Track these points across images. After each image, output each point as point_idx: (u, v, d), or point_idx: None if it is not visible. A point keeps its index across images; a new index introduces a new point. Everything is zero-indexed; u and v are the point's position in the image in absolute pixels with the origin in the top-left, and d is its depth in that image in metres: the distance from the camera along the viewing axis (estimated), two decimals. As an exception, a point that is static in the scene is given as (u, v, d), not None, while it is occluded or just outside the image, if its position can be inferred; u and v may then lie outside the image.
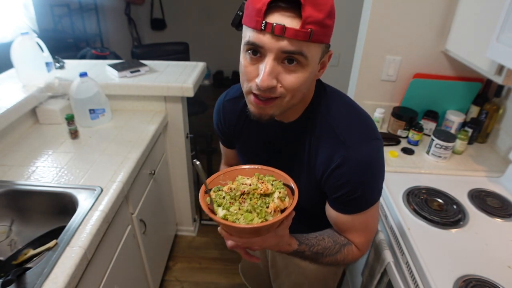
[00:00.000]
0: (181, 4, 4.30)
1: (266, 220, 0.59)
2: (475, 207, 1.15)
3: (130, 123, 1.60)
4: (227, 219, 0.59)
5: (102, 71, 1.80)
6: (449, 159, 1.40)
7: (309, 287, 1.05)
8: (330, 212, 0.78)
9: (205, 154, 2.33)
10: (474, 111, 1.53)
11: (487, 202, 1.17)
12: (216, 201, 0.63)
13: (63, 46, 3.00)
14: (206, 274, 1.96)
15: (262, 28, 0.56)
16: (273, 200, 0.61)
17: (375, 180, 0.72)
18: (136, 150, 1.37)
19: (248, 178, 0.67)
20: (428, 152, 1.41)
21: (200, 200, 0.63)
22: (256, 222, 0.58)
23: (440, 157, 1.37)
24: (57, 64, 1.81)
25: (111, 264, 1.12)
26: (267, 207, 0.60)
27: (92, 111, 1.52)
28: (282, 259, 1.06)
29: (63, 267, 0.85)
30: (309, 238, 0.77)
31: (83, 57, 2.43)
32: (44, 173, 1.21)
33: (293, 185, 0.65)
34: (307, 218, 0.86)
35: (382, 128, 1.65)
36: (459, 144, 1.42)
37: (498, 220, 1.10)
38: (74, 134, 1.44)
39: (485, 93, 1.53)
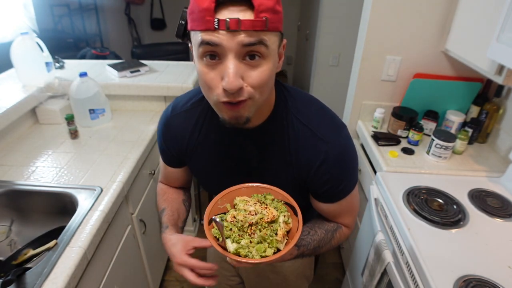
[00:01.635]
0: (181, 4, 4.26)
1: (277, 247, 0.60)
2: (475, 207, 1.15)
3: (130, 123, 1.60)
4: (239, 253, 0.59)
5: (102, 71, 1.80)
6: (449, 159, 1.40)
7: (286, 286, 1.04)
8: (317, 204, 0.80)
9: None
10: (474, 111, 1.53)
11: (487, 202, 1.17)
12: (224, 234, 0.62)
13: (63, 46, 2.99)
14: (206, 274, 1.96)
15: (216, 26, 0.53)
16: (279, 226, 0.61)
17: (354, 166, 0.76)
18: (136, 150, 1.37)
19: (247, 201, 0.66)
20: (428, 152, 1.41)
21: (207, 235, 0.62)
22: (269, 252, 0.59)
23: (440, 157, 1.37)
24: (57, 64, 1.81)
25: (111, 264, 1.12)
26: (276, 234, 0.60)
27: (92, 111, 1.52)
28: (253, 270, 1.05)
29: (63, 267, 0.85)
30: (304, 238, 0.78)
31: (83, 57, 2.44)
32: (44, 173, 1.21)
33: (294, 204, 0.65)
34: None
35: (382, 128, 1.65)
36: (459, 144, 1.42)
37: (498, 220, 1.10)
38: (74, 134, 1.44)
39: (485, 93, 1.53)
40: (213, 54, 0.56)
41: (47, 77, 1.57)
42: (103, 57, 2.39)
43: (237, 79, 0.55)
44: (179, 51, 2.93)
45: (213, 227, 0.64)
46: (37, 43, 1.51)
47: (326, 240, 0.80)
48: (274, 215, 0.62)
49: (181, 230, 0.86)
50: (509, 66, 1.01)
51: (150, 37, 4.47)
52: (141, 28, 4.41)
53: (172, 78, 1.73)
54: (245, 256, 0.58)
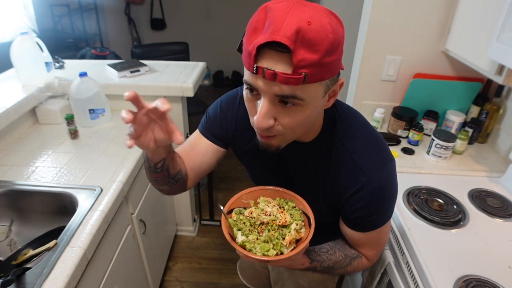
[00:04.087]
0: (181, 4, 4.29)
1: (281, 252, 0.62)
2: (475, 207, 1.14)
3: (130, 123, 1.60)
4: (245, 246, 0.63)
5: (102, 71, 1.80)
6: (449, 159, 1.40)
7: None
8: (344, 228, 0.79)
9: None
10: (475, 111, 1.53)
11: (487, 202, 1.16)
12: (237, 225, 0.66)
13: (63, 46, 3.00)
14: (206, 274, 1.96)
15: (254, 72, 0.54)
16: (289, 232, 0.64)
17: (390, 202, 0.75)
18: (136, 150, 1.37)
19: (269, 203, 0.70)
20: (428, 152, 1.41)
21: (222, 224, 0.66)
22: (272, 253, 0.61)
23: (441, 157, 1.37)
24: (57, 64, 1.81)
25: (111, 264, 1.12)
26: (283, 239, 0.63)
27: (92, 111, 1.52)
28: (276, 269, 1.09)
29: (63, 267, 0.85)
30: (321, 254, 0.79)
31: (83, 57, 2.43)
32: (44, 173, 1.21)
33: (311, 216, 0.67)
34: (321, 228, 0.87)
35: (382, 128, 1.65)
36: (459, 144, 1.41)
37: (498, 220, 1.10)
38: (74, 134, 1.44)
39: (485, 93, 1.53)
40: (252, 89, 0.58)
41: (47, 77, 1.57)
42: (103, 57, 2.39)
43: (265, 120, 0.57)
44: (179, 51, 2.92)
45: (231, 217, 0.68)
46: (37, 43, 1.51)
47: (342, 264, 0.80)
48: (286, 221, 0.65)
49: (161, 163, 0.72)
50: (509, 66, 1.00)
51: (150, 37, 4.47)
52: (141, 28, 4.41)
53: (172, 78, 1.72)
54: (249, 250, 0.62)
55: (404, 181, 1.25)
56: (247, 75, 0.57)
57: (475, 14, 1.27)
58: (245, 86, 0.60)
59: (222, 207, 0.68)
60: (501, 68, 1.09)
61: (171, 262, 2.01)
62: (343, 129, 0.72)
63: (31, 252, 0.99)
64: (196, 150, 0.84)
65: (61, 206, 1.13)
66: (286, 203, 0.71)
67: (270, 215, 0.66)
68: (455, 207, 1.13)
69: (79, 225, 0.98)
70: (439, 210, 1.12)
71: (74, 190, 1.12)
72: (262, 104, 0.57)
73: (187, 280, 1.92)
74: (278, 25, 0.50)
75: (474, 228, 1.06)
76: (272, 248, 0.62)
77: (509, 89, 1.45)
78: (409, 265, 0.98)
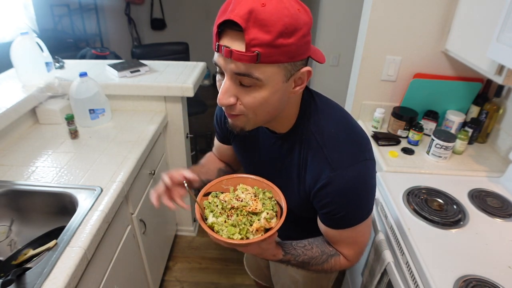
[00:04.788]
0: (181, 4, 4.30)
1: (247, 237, 0.64)
2: (475, 207, 1.15)
3: (130, 123, 1.60)
4: (213, 227, 0.65)
5: (102, 71, 1.80)
6: (449, 159, 1.40)
7: (303, 284, 1.07)
8: (320, 224, 0.79)
9: (205, 154, 2.33)
10: (474, 111, 1.53)
11: (487, 202, 1.17)
12: (210, 207, 0.68)
13: (63, 46, 3.00)
14: (206, 274, 1.96)
15: (216, 50, 0.59)
16: (258, 220, 0.65)
17: (361, 201, 0.72)
18: (136, 150, 1.37)
19: (246, 189, 0.72)
20: (428, 152, 1.41)
21: (196, 204, 0.69)
22: (237, 237, 0.63)
23: (440, 157, 1.37)
24: (57, 64, 1.81)
25: (111, 264, 1.12)
26: (251, 225, 0.64)
27: (92, 111, 1.52)
28: (274, 264, 1.09)
29: (63, 267, 0.85)
30: (296, 248, 0.78)
31: (83, 57, 2.43)
32: (44, 173, 1.21)
33: (283, 206, 0.68)
34: (301, 222, 0.88)
35: (382, 128, 1.65)
36: (459, 144, 1.42)
37: (498, 220, 1.10)
38: (74, 134, 1.44)
39: (485, 93, 1.53)
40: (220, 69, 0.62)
41: (47, 77, 1.57)
42: (103, 57, 2.39)
43: (225, 97, 0.61)
44: (179, 51, 2.92)
45: (207, 199, 0.71)
46: (37, 43, 1.51)
47: (318, 261, 0.79)
48: (257, 208, 0.66)
49: (201, 182, 0.86)
50: (509, 66, 1.01)
51: (150, 37, 4.47)
52: (141, 28, 4.41)
53: (172, 78, 1.73)
54: (217, 232, 0.64)
55: (404, 181, 1.26)
56: (214, 55, 0.61)
57: (474, 14, 1.27)
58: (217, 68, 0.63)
59: (186, 184, 0.72)
60: (501, 68, 1.09)
61: (171, 262, 2.02)
62: (318, 122, 0.72)
63: (31, 252, 0.99)
64: (221, 152, 1.03)
65: (61, 206, 1.13)
66: (264, 193, 0.71)
67: (242, 201, 0.68)
68: (455, 207, 1.13)
69: (79, 225, 0.98)
70: (439, 210, 1.12)
71: (74, 190, 1.12)
72: (224, 81, 0.61)
73: (187, 280, 1.92)
74: (236, 6, 0.55)
75: (474, 228, 1.06)
76: (238, 233, 0.63)
77: (509, 89, 1.45)
78: (409, 265, 0.98)
